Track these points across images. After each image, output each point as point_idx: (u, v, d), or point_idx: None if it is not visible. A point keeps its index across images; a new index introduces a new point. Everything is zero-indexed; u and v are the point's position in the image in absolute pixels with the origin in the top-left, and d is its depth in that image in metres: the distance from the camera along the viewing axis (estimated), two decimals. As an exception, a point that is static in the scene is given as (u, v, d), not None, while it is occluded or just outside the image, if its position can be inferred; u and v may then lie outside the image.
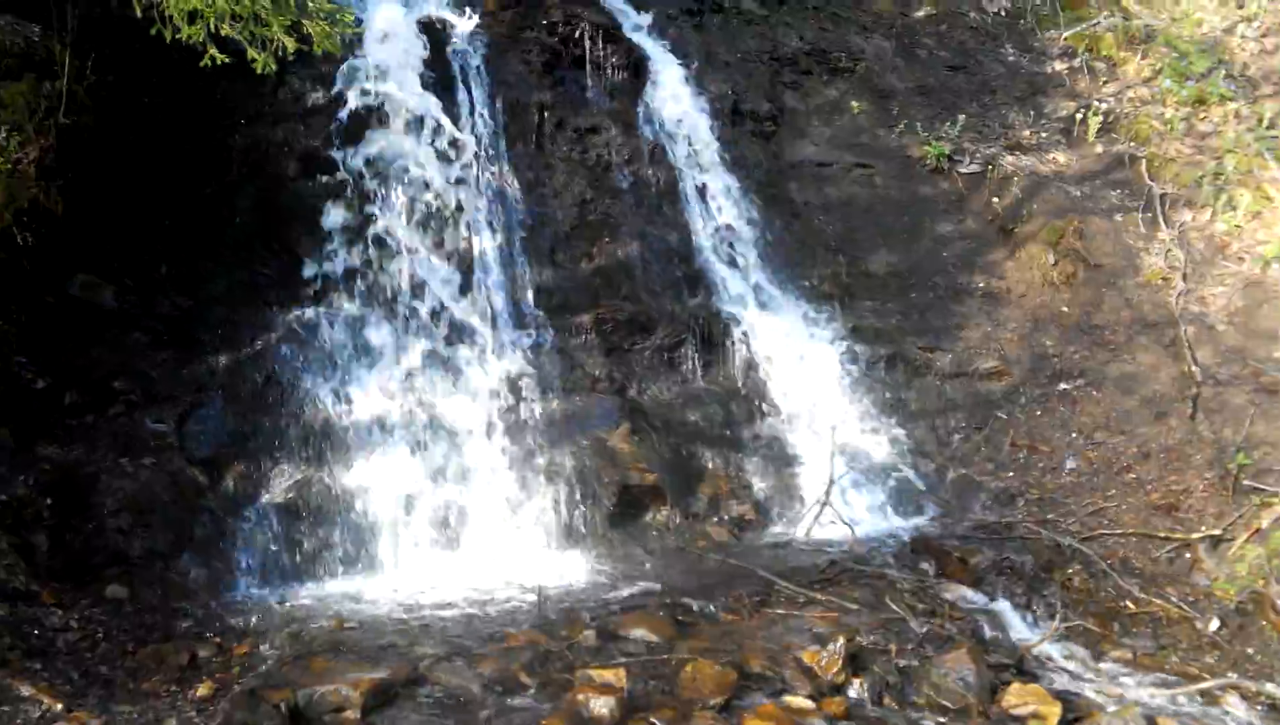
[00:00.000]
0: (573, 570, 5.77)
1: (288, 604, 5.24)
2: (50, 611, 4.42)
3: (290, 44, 4.79)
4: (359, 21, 6.66)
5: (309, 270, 6.68)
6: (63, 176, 5.57)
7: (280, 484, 5.83)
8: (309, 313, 6.46)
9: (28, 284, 5.50)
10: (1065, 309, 8.29)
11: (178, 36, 4.69)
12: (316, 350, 6.33)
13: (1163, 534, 6.27)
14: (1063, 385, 7.78)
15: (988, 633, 5.17)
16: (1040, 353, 8.05)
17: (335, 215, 6.84)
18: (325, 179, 6.95)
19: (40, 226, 5.43)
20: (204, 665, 4.29)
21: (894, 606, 5.25)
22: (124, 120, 6.58)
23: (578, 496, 6.17)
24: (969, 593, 5.74)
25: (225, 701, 3.90)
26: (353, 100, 7.04)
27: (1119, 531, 6.38)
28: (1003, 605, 5.61)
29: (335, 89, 7.12)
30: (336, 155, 6.99)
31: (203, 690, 4.08)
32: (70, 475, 5.25)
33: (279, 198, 6.85)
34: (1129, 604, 5.66)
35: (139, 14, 4.76)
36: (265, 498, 5.74)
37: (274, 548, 5.61)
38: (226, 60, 4.81)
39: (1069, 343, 8.04)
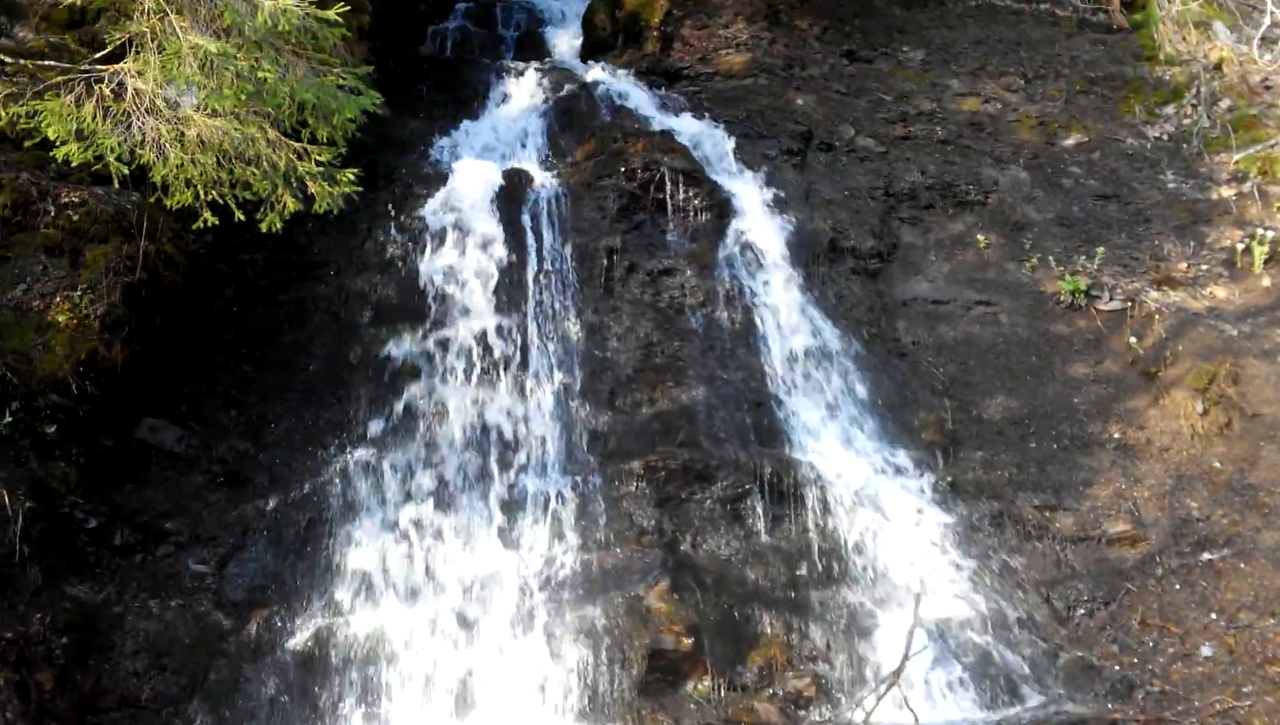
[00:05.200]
0: (577, 746, 5.34)
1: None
2: (21, 754, 4.51)
3: (292, 204, 5.02)
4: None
5: (367, 416, 6.80)
6: (127, 330, 6.00)
7: (303, 632, 5.79)
8: (359, 459, 6.53)
9: (87, 428, 5.90)
10: (1216, 465, 7.13)
11: (177, 201, 5.02)
12: (362, 497, 6.36)
13: (1302, 749, 5.06)
14: (1206, 554, 6.62)
15: None
16: (1183, 516, 6.92)
17: (399, 363, 6.99)
18: (397, 327, 7.16)
19: (100, 375, 5.84)
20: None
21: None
22: (221, 275, 7.12)
23: (604, 662, 5.74)
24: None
25: None
26: (426, 256, 7.29)
27: (1246, 742, 5.19)
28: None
29: (413, 242, 7.41)
30: (408, 304, 7.20)
31: None
32: (94, 615, 5.45)
33: (350, 345, 7.09)
34: (1235, 839, 4.53)
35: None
36: (285, 645, 5.72)
37: (284, 699, 5.54)
38: (216, 221, 5.09)
39: (1218, 504, 6.87)
